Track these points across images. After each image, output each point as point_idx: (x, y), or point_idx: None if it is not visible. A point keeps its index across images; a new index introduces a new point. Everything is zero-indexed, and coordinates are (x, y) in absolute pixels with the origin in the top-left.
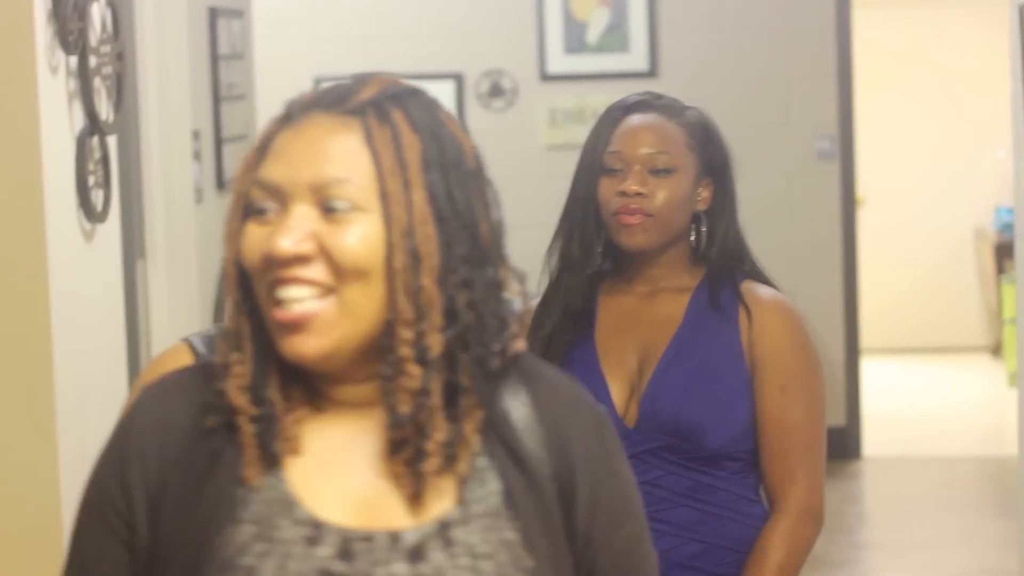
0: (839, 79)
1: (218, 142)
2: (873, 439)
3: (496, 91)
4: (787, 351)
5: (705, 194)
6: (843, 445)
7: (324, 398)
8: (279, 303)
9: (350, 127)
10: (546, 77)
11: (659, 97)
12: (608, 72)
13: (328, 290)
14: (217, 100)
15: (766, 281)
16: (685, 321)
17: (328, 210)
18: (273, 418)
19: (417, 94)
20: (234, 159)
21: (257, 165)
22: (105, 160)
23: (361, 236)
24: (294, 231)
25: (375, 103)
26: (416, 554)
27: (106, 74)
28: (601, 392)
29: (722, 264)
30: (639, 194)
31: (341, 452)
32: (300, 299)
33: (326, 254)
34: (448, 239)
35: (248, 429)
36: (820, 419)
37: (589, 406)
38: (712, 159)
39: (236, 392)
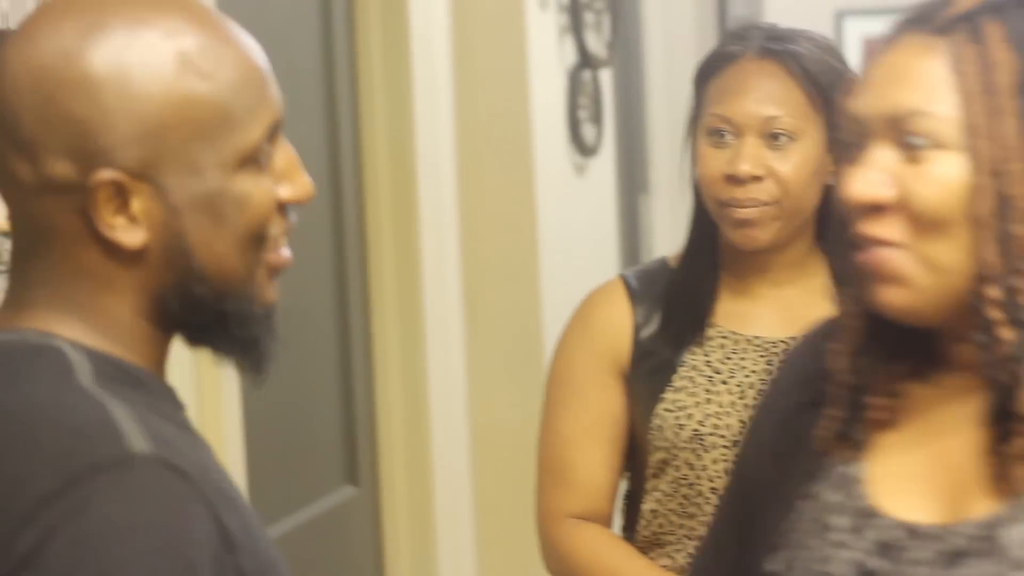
0: None
1: None
2: None
3: None
4: None
5: None
6: None
7: (933, 361)
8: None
9: (935, 50)
10: None
11: None
12: None
13: (900, 247)
14: (723, 32)
15: None
16: None
17: (906, 147)
18: (864, 388)
19: None
20: None
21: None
22: (597, 95)
23: (944, 181)
24: (872, 172)
25: (969, 18)
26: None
27: (598, 8)
28: None
29: None
30: None
31: (934, 427)
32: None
33: (903, 204)
34: None
35: (836, 396)
36: None
37: None
38: None
39: (836, 353)
